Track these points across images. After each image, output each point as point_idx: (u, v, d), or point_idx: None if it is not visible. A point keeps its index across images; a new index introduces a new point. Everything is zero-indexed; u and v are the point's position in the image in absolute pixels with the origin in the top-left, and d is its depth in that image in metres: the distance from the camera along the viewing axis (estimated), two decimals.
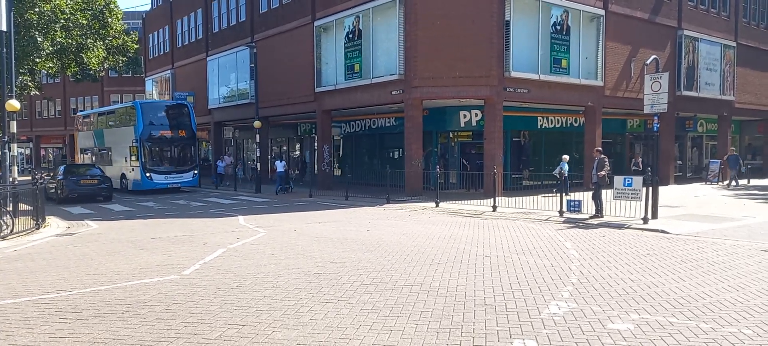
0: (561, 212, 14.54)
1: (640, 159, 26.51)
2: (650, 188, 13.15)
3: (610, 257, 9.18)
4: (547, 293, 6.90)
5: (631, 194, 13.23)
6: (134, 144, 24.60)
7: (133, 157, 24.79)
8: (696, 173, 30.27)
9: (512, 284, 7.33)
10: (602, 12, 23.19)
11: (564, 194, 15.14)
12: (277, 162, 25.16)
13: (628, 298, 6.64)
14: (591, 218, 13.95)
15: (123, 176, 25.81)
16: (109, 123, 28.39)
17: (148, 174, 24.24)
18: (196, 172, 25.93)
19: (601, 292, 6.91)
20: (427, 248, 10.05)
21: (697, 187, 25.18)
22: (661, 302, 6.44)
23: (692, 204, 17.73)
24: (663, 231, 11.98)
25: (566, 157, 19.13)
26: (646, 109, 14.46)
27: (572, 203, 14.70)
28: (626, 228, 12.57)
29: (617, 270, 8.18)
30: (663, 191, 16.85)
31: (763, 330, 5.44)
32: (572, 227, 12.88)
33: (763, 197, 20.67)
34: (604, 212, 14.05)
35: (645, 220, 12.90)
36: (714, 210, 15.99)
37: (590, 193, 14.84)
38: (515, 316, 5.95)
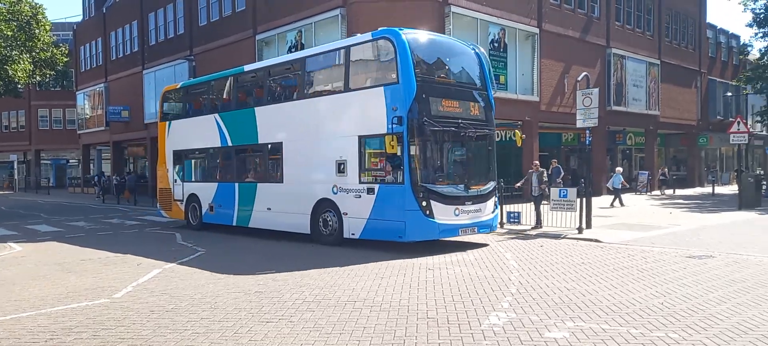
0: (502, 224, 14.87)
1: (666, 169, 28.85)
2: (584, 199, 13.68)
3: (548, 267, 9.45)
4: (487, 304, 7.02)
5: (566, 205, 13.71)
6: (392, 130, 10.77)
7: (389, 164, 11.06)
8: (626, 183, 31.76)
9: (454, 296, 7.41)
10: (537, 30, 24.11)
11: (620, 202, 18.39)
12: None
13: (564, 306, 6.84)
14: (531, 229, 14.36)
15: (320, 207, 12.28)
16: (278, 91, 14.38)
17: (423, 203, 10.72)
18: (496, 199, 12.70)
19: (539, 301, 7.10)
20: None
21: (627, 197, 26.39)
22: (595, 310, 6.68)
23: (623, 213, 18.59)
24: (596, 240, 12.48)
25: (620, 169, 19.29)
26: (579, 124, 15.05)
27: (512, 215, 15.10)
28: (563, 238, 13.00)
29: (554, 279, 8.43)
30: (596, 201, 17.57)
31: (688, 334, 5.74)
32: (512, 238, 13.21)
33: (688, 206, 21.96)
34: (542, 222, 14.49)
35: (580, 230, 13.40)
36: (643, 219, 16.82)
37: (529, 204, 15.30)
38: (457, 328, 6.00)
